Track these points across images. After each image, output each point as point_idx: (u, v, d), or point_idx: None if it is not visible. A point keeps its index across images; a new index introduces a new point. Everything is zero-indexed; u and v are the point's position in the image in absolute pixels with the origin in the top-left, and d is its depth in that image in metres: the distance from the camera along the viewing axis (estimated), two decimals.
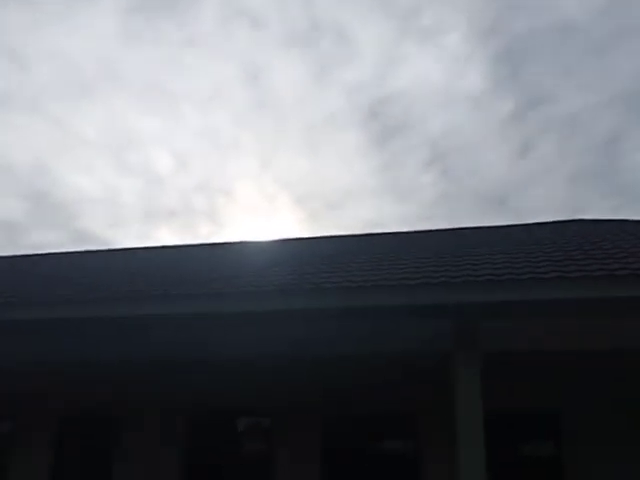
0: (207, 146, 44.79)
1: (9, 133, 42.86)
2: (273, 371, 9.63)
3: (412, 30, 39.24)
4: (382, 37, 38.33)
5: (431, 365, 8.82)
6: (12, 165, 44.74)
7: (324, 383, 9.37)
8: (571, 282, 6.33)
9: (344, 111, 43.68)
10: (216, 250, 11.63)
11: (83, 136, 43.39)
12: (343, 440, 9.29)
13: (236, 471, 9.54)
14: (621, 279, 6.27)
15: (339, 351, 9.25)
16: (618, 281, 6.27)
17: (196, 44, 39.21)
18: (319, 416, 9.31)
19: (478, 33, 39.01)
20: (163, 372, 10.05)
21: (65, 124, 42.61)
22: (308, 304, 7.35)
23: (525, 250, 8.18)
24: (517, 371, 8.80)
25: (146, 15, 37.68)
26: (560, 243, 8.66)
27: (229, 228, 45.61)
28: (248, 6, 36.51)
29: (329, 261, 8.93)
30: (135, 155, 44.79)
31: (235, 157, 45.16)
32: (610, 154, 42.54)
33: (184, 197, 46.96)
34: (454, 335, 7.17)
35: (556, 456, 8.69)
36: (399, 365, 9.16)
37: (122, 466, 9.83)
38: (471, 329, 7.14)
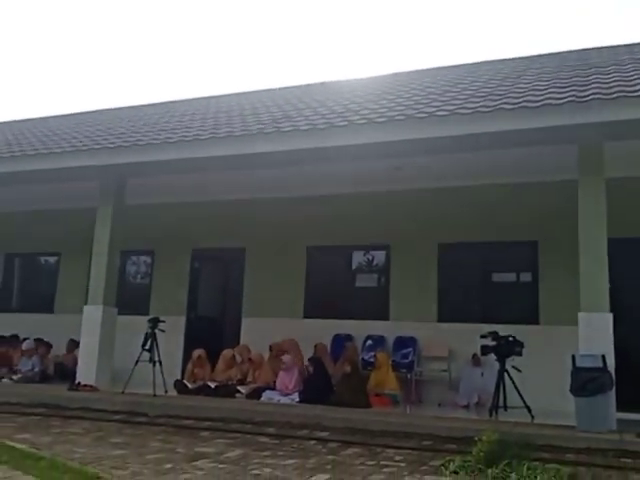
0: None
1: None
2: (388, 204, 9.67)
3: None
4: None
5: (555, 191, 8.48)
6: None
7: (440, 212, 9.36)
8: None
9: None
10: (325, 88, 11.49)
11: None
12: (458, 267, 9.41)
13: (353, 298, 10.04)
14: None
15: (454, 181, 9.12)
16: None
17: None
18: (435, 244, 9.41)
19: None
20: (278, 208, 10.38)
21: None
22: (420, 134, 7.17)
23: None
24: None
25: None
26: None
27: (328, 69, 44.53)
28: None
29: (441, 91, 8.54)
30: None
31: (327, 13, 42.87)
32: None
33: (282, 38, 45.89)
34: (579, 160, 6.82)
35: None
36: (520, 192, 8.89)
37: (250, 287, 10.62)
38: (596, 152, 6.78)
